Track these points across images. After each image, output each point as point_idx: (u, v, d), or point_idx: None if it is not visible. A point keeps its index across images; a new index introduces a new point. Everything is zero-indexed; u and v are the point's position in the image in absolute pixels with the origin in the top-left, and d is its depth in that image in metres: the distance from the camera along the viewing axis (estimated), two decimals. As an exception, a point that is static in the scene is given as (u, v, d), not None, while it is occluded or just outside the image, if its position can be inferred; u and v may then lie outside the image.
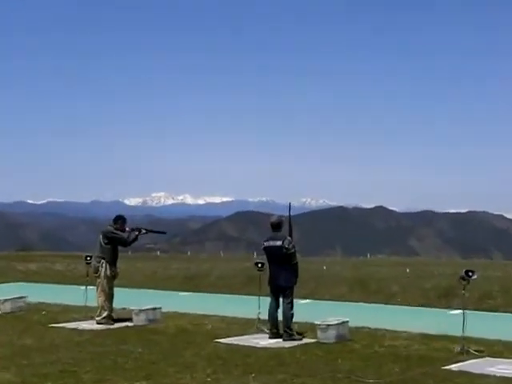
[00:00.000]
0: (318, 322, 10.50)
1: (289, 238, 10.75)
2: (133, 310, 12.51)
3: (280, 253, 10.70)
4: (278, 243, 10.71)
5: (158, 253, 44.36)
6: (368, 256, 34.59)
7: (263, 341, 10.44)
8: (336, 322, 10.41)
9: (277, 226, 10.91)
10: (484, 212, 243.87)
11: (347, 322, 10.71)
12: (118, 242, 12.54)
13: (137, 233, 12.68)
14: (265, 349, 9.72)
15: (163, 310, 13.00)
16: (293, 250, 10.64)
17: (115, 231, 12.50)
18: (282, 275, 10.76)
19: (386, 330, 11.37)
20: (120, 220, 12.71)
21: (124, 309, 13.66)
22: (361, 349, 9.71)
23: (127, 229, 12.67)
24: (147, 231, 13.04)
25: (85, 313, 13.10)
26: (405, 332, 11.16)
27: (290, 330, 10.65)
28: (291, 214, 11.87)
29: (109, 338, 10.75)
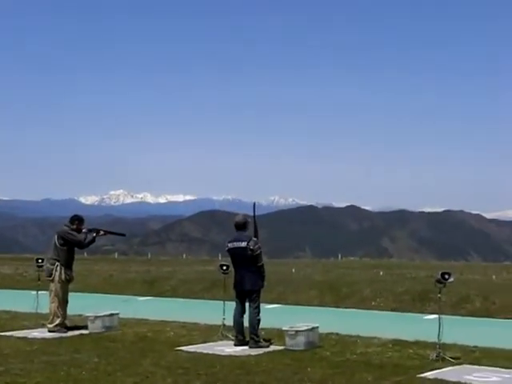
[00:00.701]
0: (287, 328, 10.51)
1: (254, 238, 10.69)
2: (88, 316, 12.36)
3: (245, 254, 10.68)
4: (243, 244, 10.69)
5: (116, 255, 44.03)
6: (339, 258, 34.78)
7: (228, 348, 10.41)
8: (305, 328, 10.43)
9: (242, 226, 10.88)
10: (461, 211, 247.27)
11: (317, 327, 10.74)
12: (75, 244, 12.38)
13: (94, 234, 12.53)
14: (230, 357, 9.69)
15: (121, 316, 12.88)
16: (258, 252, 10.60)
17: (71, 232, 12.34)
18: (247, 278, 10.73)
19: (358, 337, 11.45)
20: (77, 220, 12.53)
21: (79, 315, 13.51)
22: (331, 356, 9.74)
23: (84, 230, 12.53)
24: (106, 233, 12.91)
25: (36, 320, 12.90)
26: (378, 338, 11.24)
27: (257, 336, 10.65)
28: (258, 213, 11.85)
29: (62, 346, 10.60)
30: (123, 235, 14.15)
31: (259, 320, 10.70)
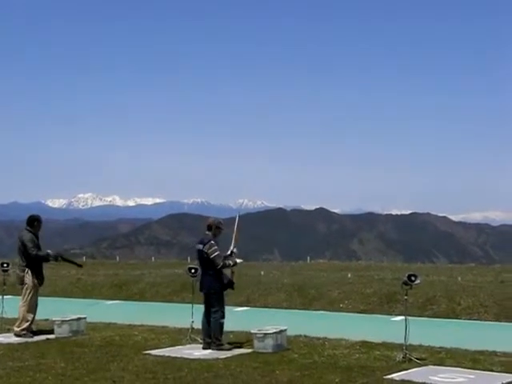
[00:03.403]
0: (255, 331, 10.52)
1: (212, 242, 10.65)
2: (55, 320, 12.22)
3: (202, 257, 10.68)
4: (201, 247, 10.69)
5: (84, 258, 43.54)
6: (308, 260, 34.83)
7: (197, 352, 10.38)
8: (273, 331, 10.45)
9: (207, 228, 10.87)
10: (428, 214, 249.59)
11: (285, 330, 10.76)
12: (27, 250, 12.01)
13: (50, 257, 12.15)
14: (198, 360, 9.66)
15: (88, 320, 12.76)
16: (213, 255, 10.53)
17: (27, 241, 11.98)
18: (205, 281, 10.75)
19: (326, 339, 11.49)
20: (36, 221, 12.27)
21: (46, 320, 13.34)
22: (299, 359, 9.77)
23: (49, 252, 12.23)
24: (63, 259, 12.61)
25: (0, 325, 12.72)
26: (345, 340, 11.30)
27: (218, 340, 10.61)
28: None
29: (27, 351, 10.46)
30: (80, 266, 13.77)
31: (220, 324, 10.65)
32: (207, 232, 10.81)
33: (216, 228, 10.83)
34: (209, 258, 10.56)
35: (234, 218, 11.33)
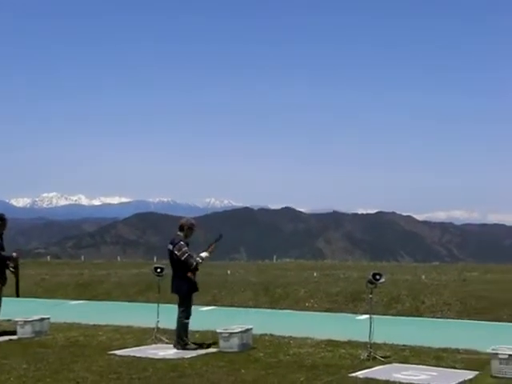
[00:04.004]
0: (220, 330, 10.50)
1: (181, 242, 10.59)
2: (17, 321, 12.05)
3: (172, 258, 10.64)
4: (170, 247, 10.64)
5: (49, 258, 43.03)
6: (274, 259, 34.89)
7: (162, 351, 10.33)
8: (239, 330, 10.44)
9: (179, 229, 10.81)
10: (393, 213, 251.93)
11: (251, 329, 10.77)
12: None
13: (10, 263, 11.93)
14: (164, 360, 9.61)
15: (52, 320, 12.61)
16: (185, 256, 10.49)
17: None
18: (174, 281, 10.71)
19: (292, 337, 11.52)
20: (1, 220, 12.10)
21: (8, 320, 13.13)
22: (265, 357, 9.78)
23: (14, 254, 12.02)
24: (14, 271, 12.28)
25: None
26: (311, 339, 11.35)
27: (182, 340, 10.57)
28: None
29: (-11, 353, 10.30)
30: (17, 296, 13.19)
31: (185, 324, 10.63)
32: (179, 232, 10.75)
33: (188, 229, 10.77)
34: (178, 259, 10.51)
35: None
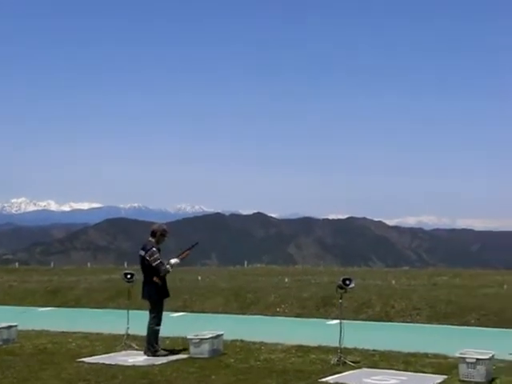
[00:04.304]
0: (191, 336, 10.46)
1: (153, 249, 10.55)
2: (-16, 329, 11.87)
3: (143, 263, 10.59)
4: (142, 253, 10.59)
5: (17, 264, 42.54)
6: (245, 265, 34.91)
7: (131, 358, 10.25)
8: (210, 336, 10.42)
9: (151, 234, 10.76)
10: (364, 218, 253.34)
11: (222, 335, 10.75)
12: None
13: None
14: (133, 367, 9.54)
15: (20, 328, 12.44)
16: (156, 263, 10.45)
17: None
18: (145, 287, 10.65)
19: (263, 343, 11.52)
20: None
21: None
22: (235, 363, 9.76)
23: None
24: None
25: None
26: (281, 344, 11.36)
27: (152, 346, 10.52)
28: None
29: (-45, 361, 10.13)
30: None
31: (156, 330, 10.56)
32: (151, 238, 10.70)
33: (160, 235, 10.73)
34: (150, 265, 10.47)
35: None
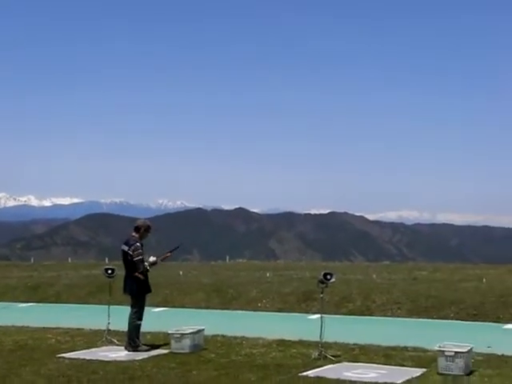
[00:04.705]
0: (172, 332, 10.46)
1: (137, 244, 10.55)
2: (-37, 325, 11.80)
3: (126, 258, 10.57)
4: (126, 248, 10.58)
5: (-3, 260, 42.34)
6: (227, 260, 34.93)
7: (113, 354, 10.23)
8: (191, 331, 10.42)
9: (135, 230, 10.75)
10: (345, 213, 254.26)
11: (203, 330, 10.75)
12: None
13: None
14: (114, 362, 9.52)
15: (0, 324, 12.37)
16: (136, 259, 10.46)
17: None
18: (127, 282, 10.64)
19: (244, 338, 11.55)
20: None
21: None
22: (216, 358, 9.78)
23: None
24: None
25: None
26: (263, 339, 11.39)
27: (133, 341, 10.51)
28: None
29: None
30: None
31: (137, 325, 10.56)
32: (134, 233, 10.70)
33: (144, 231, 10.76)
34: (132, 260, 10.45)
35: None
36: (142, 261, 10.52)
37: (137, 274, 10.47)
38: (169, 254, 11.17)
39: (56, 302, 19.04)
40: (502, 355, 9.81)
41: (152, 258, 10.75)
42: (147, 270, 10.60)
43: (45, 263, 34.49)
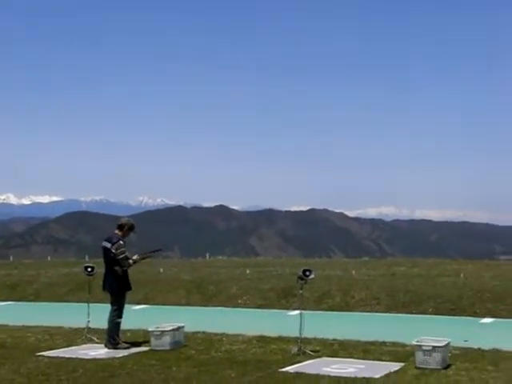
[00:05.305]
0: (152, 329, 10.45)
1: (120, 242, 10.54)
2: None
3: (107, 255, 10.54)
4: (108, 245, 10.55)
5: (-25, 259, 41.93)
6: (207, 257, 34.92)
7: (92, 351, 10.20)
8: (171, 328, 10.42)
9: (118, 227, 10.73)
10: (325, 210, 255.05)
11: (183, 327, 10.75)
12: None
13: None
14: (94, 360, 9.49)
15: (-22, 323, 12.28)
16: (121, 256, 10.46)
17: None
18: (107, 280, 10.62)
19: (224, 334, 11.57)
20: None
21: None
22: (197, 355, 9.79)
23: None
24: None
25: None
26: (243, 335, 11.42)
27: (113, 339, 10.49)
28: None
29: None
30: None
31: (117, 323, 10.55)
32: (117, 231, 10.67)
33: (128, 229, 10.75)
34: (115, 258, 10.43)
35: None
36: (127, 258, 10.50)
37: (116, 268, 10.45)
38: (149, 255, 11.18)
39: (35, 301, 18.92)
40: (479, 349, 9.93)
41: (136, 256, 10.76)
42: (130, 266, 10.58)
43: (24, 261, 34.20)
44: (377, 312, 15.36)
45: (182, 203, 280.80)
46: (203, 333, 11.80)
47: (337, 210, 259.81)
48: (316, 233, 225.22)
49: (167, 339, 10.28)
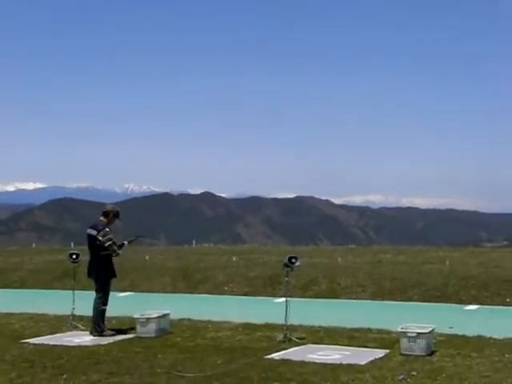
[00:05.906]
0: (138, 316, 10.46)
1: (106, 229, 10.53)
2: None
3: (93, 243, 10.53)
4: (94, 232, 10.54)
5: (-41, 246, 41.77)
6: (194, 244, 34.92)
7: (77, 339, 10.21)
8: (156, 315, 10.43)
9: (103, 215, 10.72)
10: (312, 197, 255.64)
11: (168, 314, 10.77)
12: None
13: None
14: (79, 347, 9.50)
15: (-39, 310, 12.24)
16: (109, 243, 10.45)
17: None
18: (92, 267, 10.62)
19: (210, 322, 11.60)
20: None
21: None
22: (182, 342, 9.81)
23: None
24: None
25: None
26: (229, 322, 11.46)
27: (99, 326, 10.50)
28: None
29: None
30: None
31: (103, 310, 10.56)
32: (102, 218, 10.66)
33: (113, 216, 10.76)
34: (100, 245, 10.42)
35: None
36: (115, 243, 10.51)
37: (104, 253, 10.46)
38: (132, 241, 11.20)
39: (20, 288, 18.88)
40: (463, 335, 10.02)
41: (126, 242, 10.82)
42: (118, 254, 10.59)
43: (9, 248, 34.07)
44: (362, 299, 15.45)
45: (168, 190, 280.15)
46: (189, 320, 11.83)
47: (323, 198, 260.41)
48: (302, 220, 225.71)
49: (153, 326, 10.30)
